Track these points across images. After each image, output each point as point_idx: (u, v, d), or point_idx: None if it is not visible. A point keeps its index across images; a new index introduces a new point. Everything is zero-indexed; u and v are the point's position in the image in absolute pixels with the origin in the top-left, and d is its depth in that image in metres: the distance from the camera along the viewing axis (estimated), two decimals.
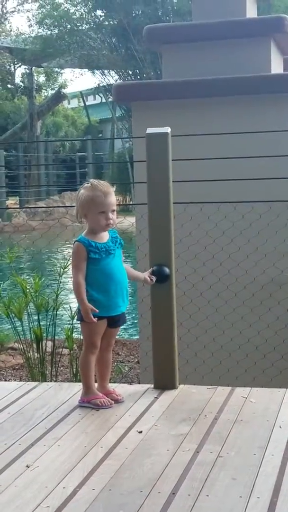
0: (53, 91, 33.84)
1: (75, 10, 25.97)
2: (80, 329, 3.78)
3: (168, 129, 3.82)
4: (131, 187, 21.82)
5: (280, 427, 3.22)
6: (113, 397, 3.62)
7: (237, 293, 5.56)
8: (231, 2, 6.29)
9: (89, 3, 24.78)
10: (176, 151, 3.98)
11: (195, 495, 2.61)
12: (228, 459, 2.91)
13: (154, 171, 3.80)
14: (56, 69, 32.91)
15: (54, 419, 3.43)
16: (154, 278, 3.75)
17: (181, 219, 4.96)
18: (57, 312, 5.53)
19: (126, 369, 7.11)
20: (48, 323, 5.48)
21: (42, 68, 32.71)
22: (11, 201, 30.13)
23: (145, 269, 3.87)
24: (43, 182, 30.33)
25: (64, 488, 2.71)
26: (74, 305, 3.95)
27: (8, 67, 35.78)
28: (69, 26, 25.44)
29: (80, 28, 25.54)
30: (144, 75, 23.57)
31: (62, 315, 6.18)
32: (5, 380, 6.51)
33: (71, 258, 3.57)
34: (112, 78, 27.33)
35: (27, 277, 7.47)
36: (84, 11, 25.53)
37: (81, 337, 3.88)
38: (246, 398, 3.62)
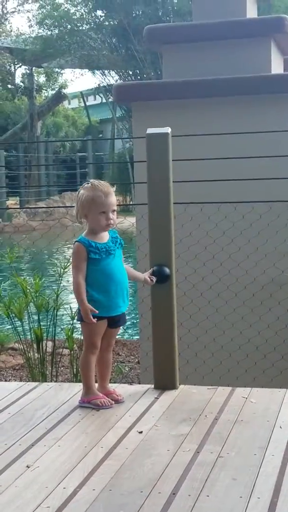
0: (54, 92, 33.85)
1: (75, 10, 25.98)
2: (80, 329, 3.78)
3: (168, 129, 3.82)
4: (132, 187, 21.83)
5: (280, 427, 3.22)
6: (114, 397, 3.62)
7: (238, 293, 5.56)
8: (231, 2, 6.29)
9: (90, 3, 24.77)
10: (176, 151, 3.98)
11: (196, 495, 2.61)
12: (229, 460, 2.90)
13: (154, 171, 3.80)
14: (56, 70, 32.90)
15: (54, 419, 3.43)
16: (154, 279, 3.75)
17: (181, 219, 4.96)
18: (58, 312, 5.53)
19: (127, 369, 7.10)
20: (48, 323, 5.48)
21: (42, 69, 32.71)
22: (12, 202, 30.13)
23: (146, 269, 3.87)
24: (44, 182, 30.34)
25: (64, 488, 2.71)
26: (75, 305, 3.95)
27: (8, 67, 35.81)
28: (69, 26, 25.44)
29: (80, 28, 25.53)
30: (145, 75, 23.58)
31: (62, 315, 6.18)
32: (6, 381, 6.51)
33: (71, 259, 3.57)
34: (112, 78, 27.35)
35: (27, 276, 7.47)
36: (85, 11, 25.52)
37: (82, 337, 3.88)
38: (246, 398, 3.62)
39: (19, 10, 39.62)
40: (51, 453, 3.04)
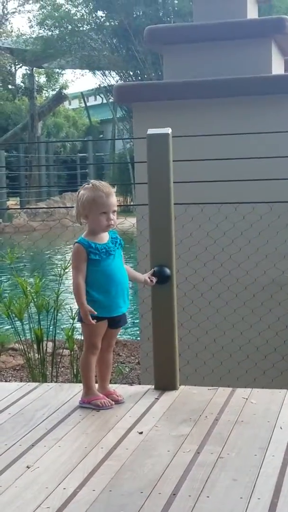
0: (54, 92, 33.86)
1: (76, 11, 25.96)
2: (80, 330, 3.78)
3: (169, 130, 3.82)
4: (132, 188, 21.81)
5: (280, 428, 3.22)
6: (114, 398, 3.62)
7: (238, 294, 5.56)
8: (232, 3, 6.29)
9: (90, 4, 24.75)
10: (177, 152, 3.98)
11: (196, 496, 2.61)
12: (229, 460, 2.90)
13: (155, 172, 3.80)
14: (57, 70, 32.88)
15: (54, 420, 3.43)
16: (154, 279, 3.75)
17: (181, 220, 4.96)
18: (58, 313, 5.53)
19: (127, 370, 7.10)
20: (48, 324, 5.48)
21: (43, 69, 32.71)
22: (12, 202, 30.14)
23: (146, 270, 3.87)
24: (44, 183, 30.33)
25: (64, 489, 2.71)
26: (75, 305, 3.95)
27: (9, 68, 35.81)
28: (70, 27, 25.43)
29: (81, 29, 25.52)
30: (145, 76, 23.56)
31: (62, 316, 6.18)
32: (6, 381, 6.51)
33: (71, 259, 3.57)
34: (113, 79, 27.33)
35: (27, 275, 7.47)
36: (85, 12, 25.50)
37: (82, 338, 3.88)
38: (246, 399, 3.62)
39: (19, 10, 39.49)
40: (51, 453, 3.04)
